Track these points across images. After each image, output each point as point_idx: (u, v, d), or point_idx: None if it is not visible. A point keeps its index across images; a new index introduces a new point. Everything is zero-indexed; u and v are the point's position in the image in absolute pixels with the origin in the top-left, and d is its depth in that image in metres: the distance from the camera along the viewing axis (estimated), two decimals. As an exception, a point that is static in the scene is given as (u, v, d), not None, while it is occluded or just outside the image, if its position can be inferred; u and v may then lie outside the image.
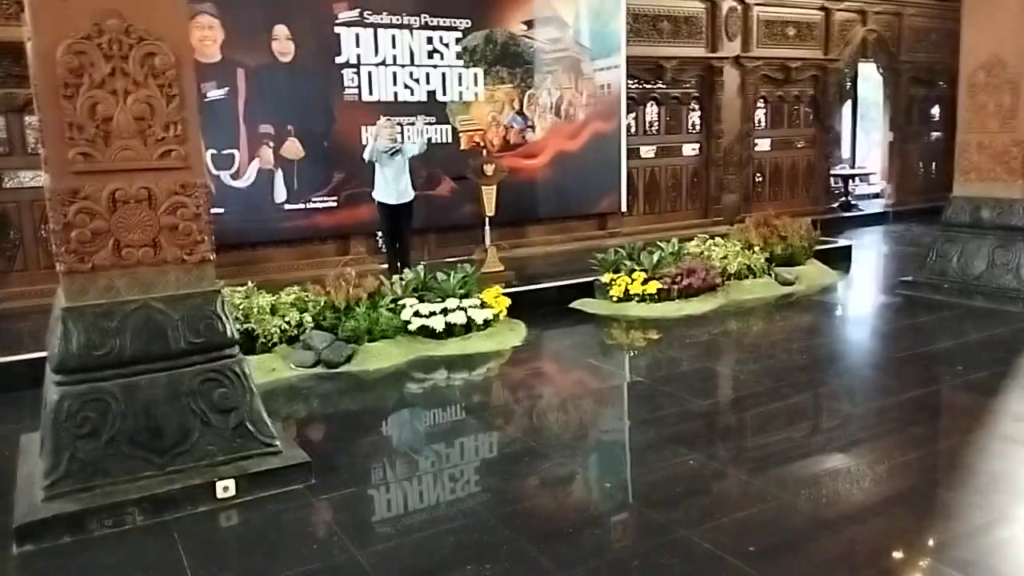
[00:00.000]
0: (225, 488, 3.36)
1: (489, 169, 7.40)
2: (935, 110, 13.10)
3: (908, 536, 2.96)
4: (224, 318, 3.54)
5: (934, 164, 12.96)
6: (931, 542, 2.90)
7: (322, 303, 5.70)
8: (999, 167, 6.77)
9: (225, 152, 7.46)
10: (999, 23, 6.63)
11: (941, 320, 6.34)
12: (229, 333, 3.55)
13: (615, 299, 6.84)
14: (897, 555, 2.84)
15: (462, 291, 6.12)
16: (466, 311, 5.91)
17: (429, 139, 7.34)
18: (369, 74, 8.07)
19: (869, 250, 10.28)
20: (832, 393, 4.83)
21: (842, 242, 9.32)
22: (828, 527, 3.04)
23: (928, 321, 6.36)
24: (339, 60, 7.92)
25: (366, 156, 7.03)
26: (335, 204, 8.03)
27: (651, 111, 10.46)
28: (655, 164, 10.54)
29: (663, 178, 10.62)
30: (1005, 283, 6.58)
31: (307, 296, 5.82)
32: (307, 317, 5.62)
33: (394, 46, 8.16)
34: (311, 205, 7.95)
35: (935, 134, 13.06)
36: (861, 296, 7.98)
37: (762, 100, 11.28)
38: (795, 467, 3.63)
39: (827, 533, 3.00)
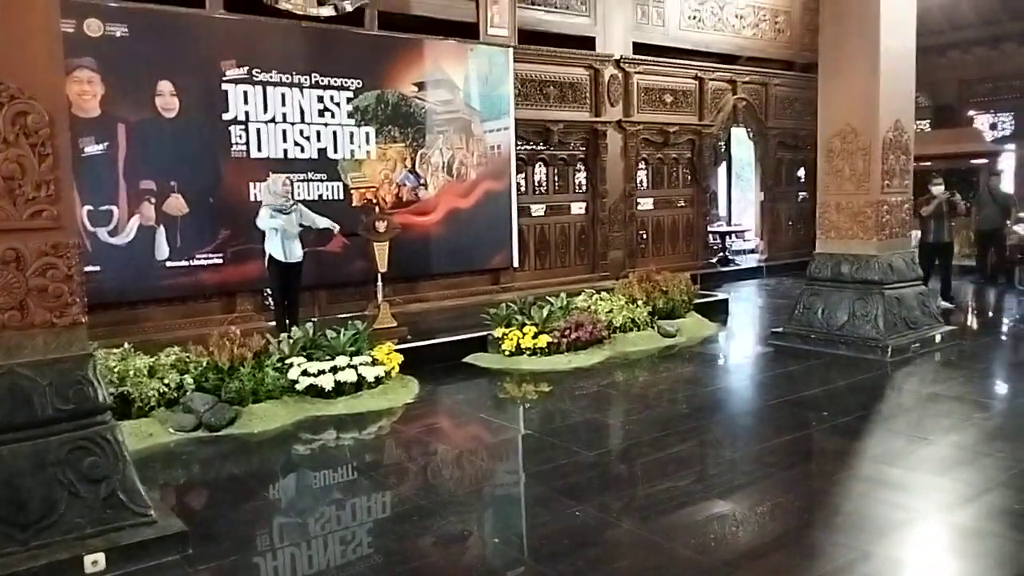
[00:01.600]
0: (94, 562, 3.17)
1: (381, 226, 7.43)
2: (801, 172, 14.12)
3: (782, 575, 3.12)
4: (96, 383, 3.39)
5: (802, 222, 13.90)
6: (801, 580, 3.07)
7: (204, 364, 5.51)
8: (856, 226, 7.36)
9: (103, 208, 7.18)
10: (850, 95, 7.29)
11: (809, 368, 6.76)
12: (101, 398, 3.40)
13: (507, 353, 6.95)
14: (770, 595, 2.99)
15: (353, 348, 6.07)
16: (356, 369, 5.85)
17: (327, 229, 7.25)
18: (258, 131, 8.00)
19: (745, 303, 10.87)
20: (713, 440, 5.06)
21: (720, 295, 9.84)
22: (712, 573, 3.16)
23: (797, 369, 6.77)
24: (226, 116, 7.82)
25: (260, 225, 6.89)
26: (221, 261, 7.84)
27: (540, 171, 10.80)
28: (545, 221, 10.85)
29: (552, 235, 10.93)
30: (865, 332, 7.10)
31: (188, 357, 5.62)
32: (188, 379, 5.42)
33: (284, 104, 8.15)
34: (195, 262, 7.73)
35: (802, 194, 14.05)
36: (737, 346, 8.40)
37: (643, 162, 11.86)
38: (680, 515, 3.77)
39: (706, 577, 3.12)
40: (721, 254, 13.53)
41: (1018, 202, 11.58)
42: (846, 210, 7.41)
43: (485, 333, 7.28)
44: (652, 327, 7.85)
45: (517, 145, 10.14)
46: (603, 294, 8.16)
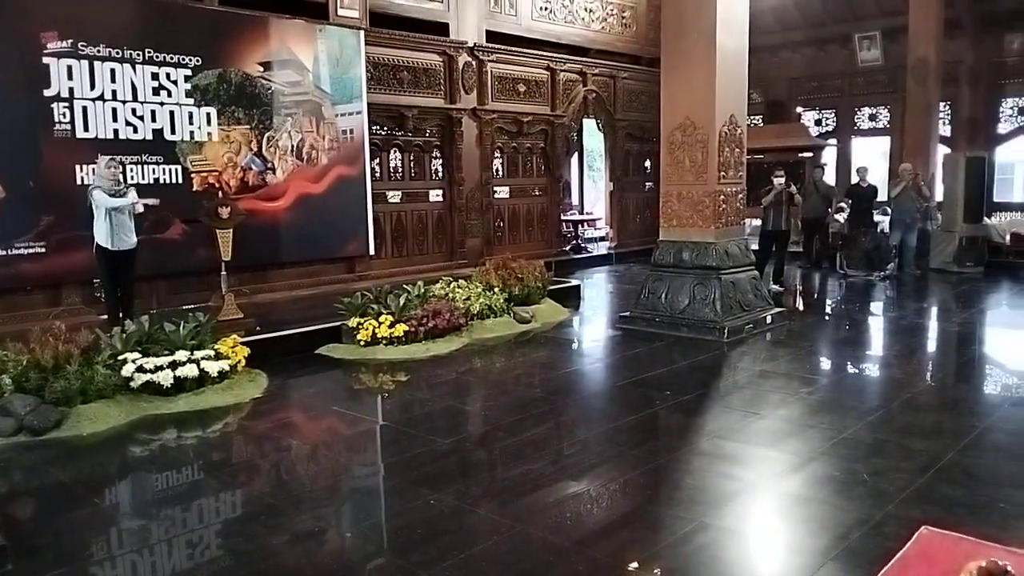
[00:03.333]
0: None
1: (224, 212, 7.07)
2: (648, 163, 14.76)
3: (627, 553, 3.25)
4: None
5: (648, 211, 14.54)
6: (645, 556, 3.21)
7: (25, 362, 5.04)
8: (696, 215, 7.78)
9: (-102, 192, 6.40)
10: (690, 91, 7.67)
11: (654, 350, 7.09)
12: None
13: (362, 343, 6.82)
14: (618, 573, 3.11)
15: (194, 342, 5.75)
16: (198, 363, 5.55)
17: (148, 203, 6.73)
18: (84, 109, 7.39)
19: (596, 288, 11.25)
20: (567, 422, 5.20)
21: (573, 282, 10.12)
22: (563, 552, 3.24)
23: (643, 351, 7.08)
24: (48, 93, 7.17)
25: (101, 205, 6.34)
26: (43, 250, 7.20)
27: (395, 157, 10.66)
28: (401, 208, 10.73)
29: (410, 222, 10.83)
30: (704, 315, 7.53)
31: (6, 355, 5.12)
32: (6, 379, 4.94)
33: (114, 80, 7.57)
34: (14, 251, 7.06)
35: (648, 184, 14.69)
36: (589, 330, 8.69)
37: (499, 150, 11.98)
38: (535, 497, 3.84)
39: (561, 558, 3.20)
40: (574, 242, 13.92)
41: (839, 193, 12.67)
42: (686, 200, 7.81)
43: (339, 323, 7.11)
44: (508, 313, 7.96)
45: (371, 130, 9.94)
46: (461, 282, 8.19)
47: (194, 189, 8.17)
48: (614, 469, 4.26)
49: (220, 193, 8.12)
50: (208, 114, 8.31)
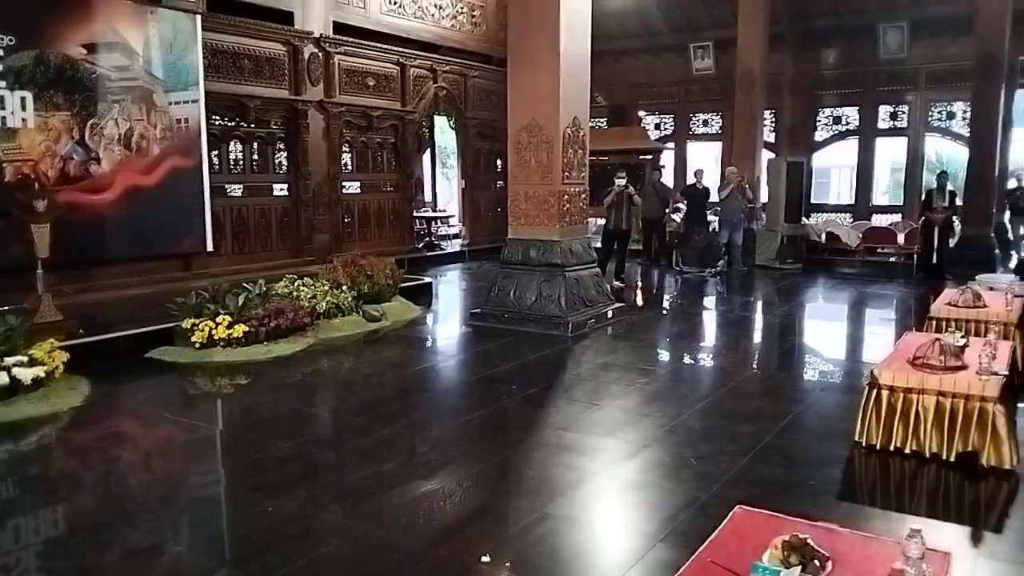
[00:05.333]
0: None
1: (41, 205, 6.49)
2: (499, 162, 14.95)
3: (473, 549, 3.29)
4: None
5: (499, 209, 14.73)
6: (488, 550, 3.26)
7: None
8: (542, 214, 7.98)
9: None
10: (535, 92, 7.85)
11: (503, 346, 7.21)
12: None
13: (198, 345, 6.48)
14: (464, 569, 3.14)
15: (4, 347, 5.24)
16: (9, 371, 5.07)
17: None
18: None
19: (448, 286, 11.29)
20: (417, 421, 5.18)
21: (425, 279, 10.10)
22: (409, 552, 3.24)
23: (493, 347, 7.19)
24: None
25: None
26: None
27: (236, 149, 10.21)
28: (243, 203, 10.29)
29: (252, 217, 10.41)
30: (550, 311, 7.75)
31: None
32: None
33: (-96, 55, 6.76)
34: None
35: (500, 183, 14.89)
36: (441, 328, 8.71)
37: (348, 144, 11.74)
38: (384, 498, 3.79)
39: (407, 559, 3.19)
40: (427, 239, 13.89)
41: (675, 194, 13.41)
42: (533, 199, 7.99)
43: (173, 324, 6.72)
44: (357, 312, 7.83)
45: (209, 120, 9.46)
46: (306, 279, 7.96)
47: (6, 180, 7.45)
48: (462, 465, 4.30)
49: (36, 185, 7.45)
50: (23, 98, 7.59)
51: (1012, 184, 13.79)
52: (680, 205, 13.18)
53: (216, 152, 9.80)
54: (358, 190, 12.01)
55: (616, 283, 10.24)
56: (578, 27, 7.92)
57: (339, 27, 11.21)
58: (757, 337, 8.46)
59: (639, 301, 10.17)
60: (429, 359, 7.40)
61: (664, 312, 9.70)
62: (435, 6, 12.97)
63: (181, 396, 5.86)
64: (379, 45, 11.89)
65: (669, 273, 12.16)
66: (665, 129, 17.64)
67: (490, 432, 4.97)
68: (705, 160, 18.27)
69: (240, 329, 6.53)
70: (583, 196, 8.27)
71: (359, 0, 11.58)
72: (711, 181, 13.43)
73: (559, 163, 7.82)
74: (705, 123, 17.28)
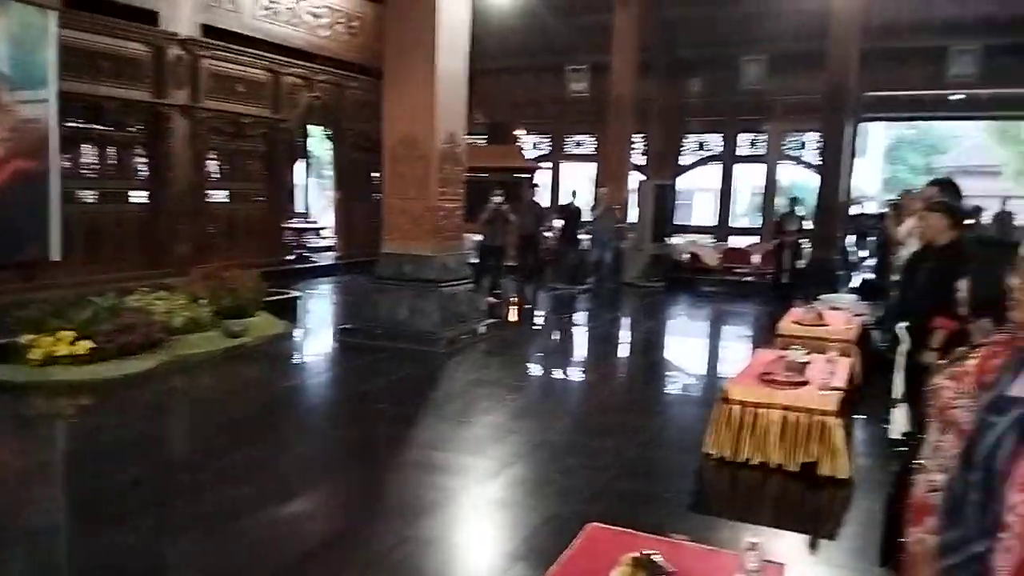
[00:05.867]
0: None
1: None
2: (375, 174, 14.74)
3: (331, 574, 3.18)
4: None
5: (375, 221, 14.51)
6: (347, 574, 3.17)
7: None
8: (416, 228, 7.91)
9: None
10: (412, 107, 7.80)
11: (374, 362, 7.08)
12: None
13: (36, 363, 5.97)
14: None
15: None
16: None
17: None
18: None
19: (319, 300, 11.01)
20: (279, 442, 4.97)
21: (293, 293, 9.79)
22: (254, 579, 3.10)
23: (363, 364, 7.04)
24: None
25: None
26: None
27: (91, 153, 9.55)
28: (98, 210, 9.64)
29: (107, 225, 9.76)
30: (423, 327, 7.68)
31: None
32: None
33: None
34: None
35: (376, 195, 14.67)
36: (308, 344, 8.46)
37: (215, 151, 11.24)
38: (238, 525, 3.61)
39: (252, 586, 3.05)
40: (298, 251, 13.50)
41: (551, 212, 13.68)
42: (408, 213, 7.92)
43: (6, 340, 6.17)
44: (217, 327, 7.47)
45: (62, 121, 8.80)
46: (161, 292, 7.53)
47: None
48: (325, 488, 4.18)
49: None
50: None
51: (856, 210, 14.96)
52: (556, 223, 13.46)
53: (69, 155, 9.13)
54: (225, 199, 11.52)
55: (490, 299, 10.31)
56: (456, 43, 7.96)
57: (209, 30, 10.74)
58: (623, 352, 8.73)
59: (513, 317, 10.27)
60: (294, 377, 7.16)
61: (536, 328, 9.85)
62: (311, 14, 12.68)
63: (14, 419, 5.37)
64: (250, 50, 11.49)
65: (542, 289, 12.37)
66: (542, 148, 17.99)
67: (355, 452, 4.86)
68: (580, 180, 18.76)
69: (85, 346, 6.07)
70: (459, 212, 8.27)
71: (230, 3, 11.15)
72: (584, 201, 13.79)
73: (435, 178, 7.80)
74: (579, 144, 17.76)
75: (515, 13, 14.19)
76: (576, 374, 7.37)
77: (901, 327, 4.29)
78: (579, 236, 12.99)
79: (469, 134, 12.44)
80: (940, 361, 2.92)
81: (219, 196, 11.39)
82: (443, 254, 7.96)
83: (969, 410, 1.83)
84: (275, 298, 8.87)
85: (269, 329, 8.03)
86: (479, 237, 11.10)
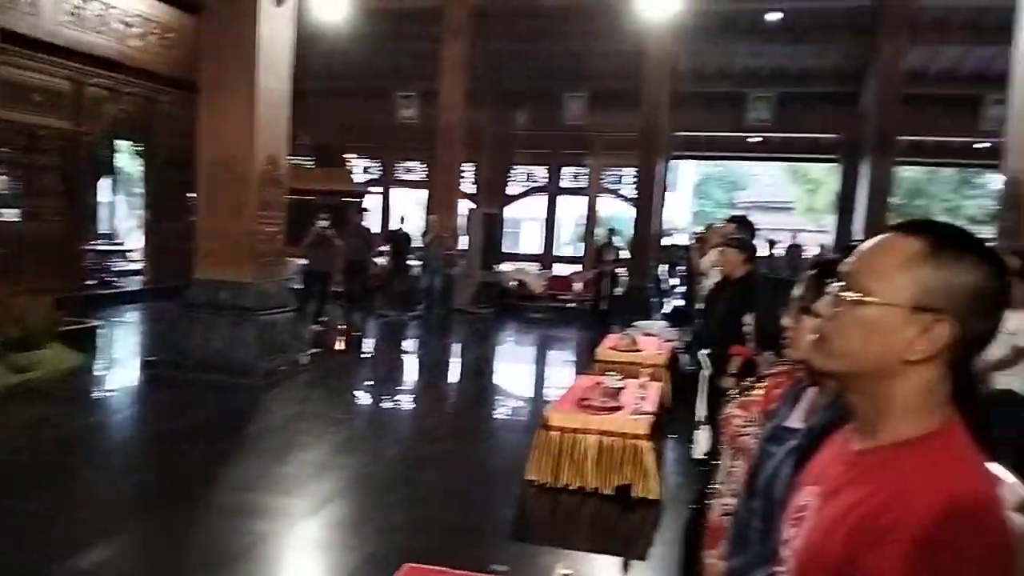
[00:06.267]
0: None
1: None
2: (191, 194, 13.90)
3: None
4: None
5: (189, 245, 13.68)
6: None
7: None
8: (234, 253, 7.51)
9: None
10: (230, 127, 7.43)
11: (184, 397, 6.60)
12: None
13: None
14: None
15: None
16: None
17: None
18: None
19: (124, 329, 10.17)
20: (69, 488, 4.48)
21: (92, 322, 8.95)
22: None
23: (172, 399, 6.55)
24: None
25: None
26: None
27: None
28: None
29: None
30: (240, 358, 7.27)
31: None
32: None
33: None
34: None
35: (190, 217, 13.82)
36: (109, 379, 7.73)
37: (5, 166, 10.14)
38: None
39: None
40: (101, 276, 12.42)
41: (380, 238, 13.53)
42: (224, 237, 7.51)
43: None
44: (1, 362, 6.67)
45: None
46: (-69, 323, 6.63)
47: None
48: (122, 538, 3.80)
49: None
50: None
51: (668, 241, 16.00)
52: (384, 248, 13.32)
53: None
54: (16, 218, 10.39)
55: (315, 326, 9.98)
56: (278, 62, 7.69)
57: (5, 35, 9.70)
58: (452, 379, 8.74)
59: (339, 345, 10.00)
60: (90, 415, 6.51)
61: (364, 356, 9.64)
62: (122, 22, 11.81)
63: None
64: (48, 57, 10.50)
65: (371, 316, 12.16)
66: (372, 173, 17.81)
67: (158, 497, 4.48)
68: (410, 206, 18.75)
69: None
70: (279, 236, 7.95)
71: (29, 6, 10.14)
72: (415, 227, 13.77)
73: (254, 201, 7.45)
74: (410, 170, 17.76)
75: (344, 35, 13.98)
76: (403, 403, 7.27)
77: (703, 354, 4.59)
78: (409, 262, 12.93)
79: (295, 156, 12.13)
80: (737, 386, 3.15)
81: (9, 215, 10.26)
82: (262, 280, 7.60)
83: (755, 438, 1.97)
84: (72, 328, 8.06)
85: (63, 362, 7.27)
86: (303, 262, 10.75)
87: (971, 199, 25.10)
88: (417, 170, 17.61)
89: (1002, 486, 2.21)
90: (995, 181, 7.85)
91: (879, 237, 1.00)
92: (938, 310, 0.90)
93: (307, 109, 14.04)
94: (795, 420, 1.61)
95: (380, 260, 13.17)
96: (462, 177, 15.08)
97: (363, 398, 7.42)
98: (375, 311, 12.31)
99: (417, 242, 13.16)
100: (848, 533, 0.89)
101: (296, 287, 10.00)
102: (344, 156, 17.60)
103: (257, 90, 7.36)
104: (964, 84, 14.01)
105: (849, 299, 0.96)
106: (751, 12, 13.78)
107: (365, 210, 14.26)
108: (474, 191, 16.74)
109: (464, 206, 14.95)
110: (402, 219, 13.38)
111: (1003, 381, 4.19)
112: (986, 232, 15.95)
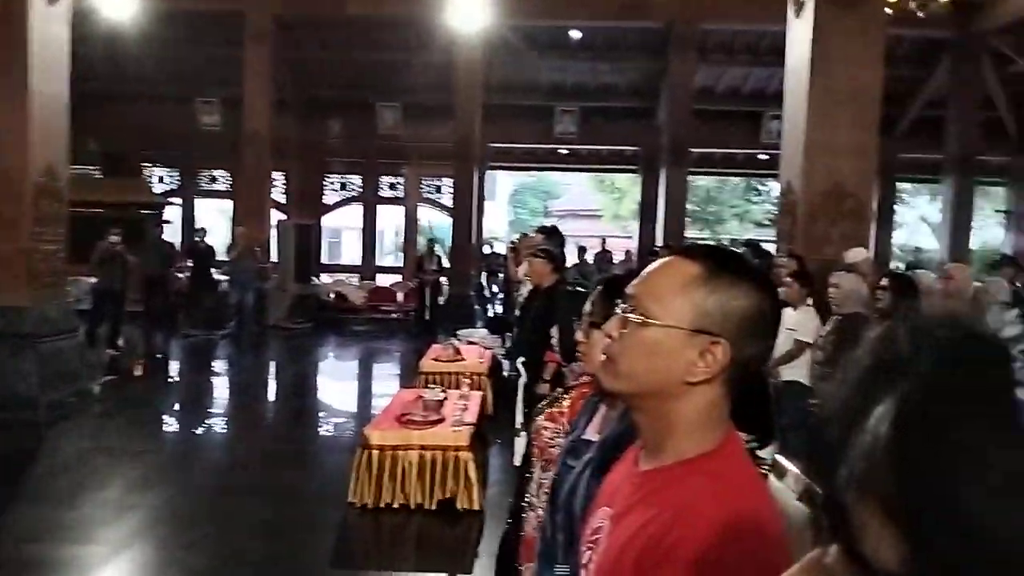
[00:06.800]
0: None
1: None
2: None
3: None
4: None
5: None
6: None
7: None
8: (6, 275, 6.70)
9: None
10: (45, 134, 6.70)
11: (-53, 441, 5.81)
12: None
13: None
14: None
15: None
16: None
17: None
18: None
19: None
20: None
21: None
22: None
23: (-68, 444, 5.74)
24: None
25: None
26: None
27: None
28: None
29: None
30: (19, 391, 6.49)
31: None
32: None
33: None
34: None
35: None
36: None
37: None
38: None
39: None
40: None
41: (180, 252, 12.65)
42: (-7, 258, 6.70)
43: None
44: None
45: None
46: None
47: None
48: None
49: None
50: None
51: (487, 250, 16.27)
52: (185, 263, 12.48)
53: None
54: None
55: (110, 351, 9.14)
56: (53, 65, 6.95)
57: None
58: (268, 400, 8.33)
59: (138, 370, 9.20)
60: None
61: (168, 380, 8.96)
62: None
63: None
64: None
65: (174, 336, 11.33)
66: (171, 183, 16.64)
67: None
68: (217, 218, 17.74)
69: None
70: (60, 254, 7.17)
71: None
72: (222, 240, 13.02)
73: (29, 216, 6.70)
74: (214, 180, 16.79)
75: (138, 36, 12.94)
76: (213, 430, 6.81)
77: (519, 362, 4.69)
78: (215, 277, 12.19)
79: (79, 165, 11.10)
80: (551, 393, 3.22)
81: None
82: (42, 304, 6.84)
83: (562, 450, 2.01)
84: None
85: None
86: (94, 280, 9.80)
87: (757, 204, 27.61)
88: (223, 180, 16.67)
89: (786, 477, 2.40)
90: (775, 188, 8.82)
91: (663, 260, 1.03)
92: (715, 333, 0.94)
93: (98, 115, 12.88)
94: (591, 432, 1.64)
95: (181, 275, 12.31)
96: (272, 187, 14.47)
97: (166, 427, 6.89)
98: (179, 331, 11.48)
99: (222, 255, 12.44)
100: (636, 558, 0.91)
101: (85, 308, 9.11)
102: (141, 165, 16.30)
103: (31, 94, 6.64)
104: (747, 101, 15.40)
105: (633, 321, 0.98)
106: (554, 29, 14.33)
107: (165, 222, 13.32)
108: (286, 201, 16.12)
109: (276, 217, 14.36)
110: (202, 231, 12.60)
111: (788, 373, 4.64)
112: (769, 235, 17.67)
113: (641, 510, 0.95)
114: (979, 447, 0.39)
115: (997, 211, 15.64)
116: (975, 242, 16.13)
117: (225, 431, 6.77)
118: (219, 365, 9.87)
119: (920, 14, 6.51)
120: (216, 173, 16.68)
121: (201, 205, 17.03)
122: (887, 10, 6.39)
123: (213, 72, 15.19)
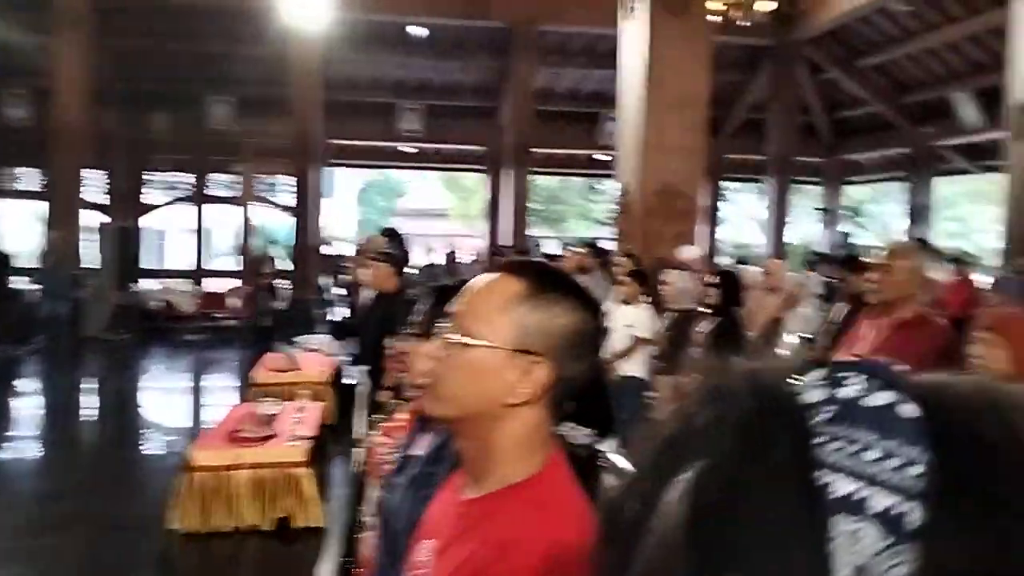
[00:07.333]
0: None
1: None
2: None
3: None
4: None
5: None
6: None
7: None
8: None
9: None
10: None
11: None
12: None
13: None
14: None
15: None
16: None
17: None
18: None
19: None
20: None
21: None
22: None
23: None
24: None
25: None
26: None
27: None
28: None
29: None
30: None
31: None
32: None
33: None
34: None
35: None
36: None
37: None
38: None
39: None
40: None
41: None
42: None
43: None
44: None
45: None
46: None
47: None
48: None
49: None
50: None
51: (329, 251, 15.73)
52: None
53: None
54: None
55: None
56: None
57: None
58: (84, 421, 7.59)
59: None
60: None
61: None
62: None
63: None
64: None
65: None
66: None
67: None
68: (28, 220, 16.13)
69: None
70: None
71: None
72: (34, 245, 11.80)
73: None
74: (22, 179, 15.19)
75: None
76: (16, 459, 6.08)
77: (362, 369, 4.50)
78: (17, 286, 11.01)
79: None
80: (393, 401, 3.08)
81: None
82: None
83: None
84: None
85: None
86: None
87: (597, 203, 28.57)
88: (32, 179, 15.11)
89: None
90: (613, 188, 9.06)
91: (487, 277, 0.98)
92: (537, 352, 0.89)
93: None
94: (418, 448, 1.55)
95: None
96: (89, 186, 13.28)
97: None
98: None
99: (24, 260, 11.27)
100: None
101: None
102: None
103: None
104: (585, 102, 15.82)
105: (455, 342, 0.92)
106: (397, 25, 14.08)
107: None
108: (107, 202, 14.84)
109: (95, 218, 13.19)
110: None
111: (626, 368, 4.74)
112: (608, 233, 18.28)
113: (465, 542, 0.90)
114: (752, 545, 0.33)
115: (816, 209, 17.03)
116: (798, 237, 17.51)
117: (35, 458, 6.08)
118: (24, 384, 8.88)
119: (742, 23, 6.89)
120: (24, 171, 15.08)
121: (7, 208, 15.40)
122: (713, 17, 6.71)
123: (20, 61, 13.72)
